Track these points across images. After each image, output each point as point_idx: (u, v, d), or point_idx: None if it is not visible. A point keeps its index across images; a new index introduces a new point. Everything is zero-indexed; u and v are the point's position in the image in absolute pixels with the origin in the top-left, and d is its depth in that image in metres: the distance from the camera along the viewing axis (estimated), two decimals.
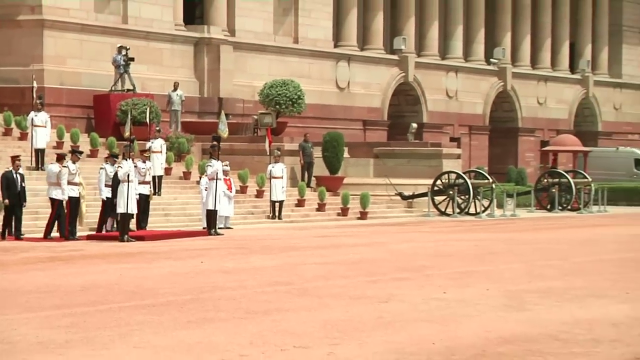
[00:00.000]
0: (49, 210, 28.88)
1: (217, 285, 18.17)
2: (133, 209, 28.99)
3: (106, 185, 29.73)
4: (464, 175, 44.14)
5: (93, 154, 37.07)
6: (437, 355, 11.23)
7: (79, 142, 36.35)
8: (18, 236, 28.27)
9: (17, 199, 28.47)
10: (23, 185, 28.76)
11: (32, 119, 35.66)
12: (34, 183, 31.60)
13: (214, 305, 15.55)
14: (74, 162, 29.28)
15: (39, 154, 34.56)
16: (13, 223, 28.66)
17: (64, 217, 28.70)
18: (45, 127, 35.58)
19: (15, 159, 29.50)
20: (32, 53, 40.74)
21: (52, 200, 28.63)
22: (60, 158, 29.58)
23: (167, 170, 36.87)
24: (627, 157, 58.64)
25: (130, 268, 21.38)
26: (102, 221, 30.06)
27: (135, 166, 29.54)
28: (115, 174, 29.03)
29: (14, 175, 28.66)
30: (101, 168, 30.34)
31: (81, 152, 31.73)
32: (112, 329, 13.10)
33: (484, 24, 61.85)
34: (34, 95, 37.45)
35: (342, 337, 12.46)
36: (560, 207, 47.51)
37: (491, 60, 61.50)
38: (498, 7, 62.80)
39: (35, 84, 38.06)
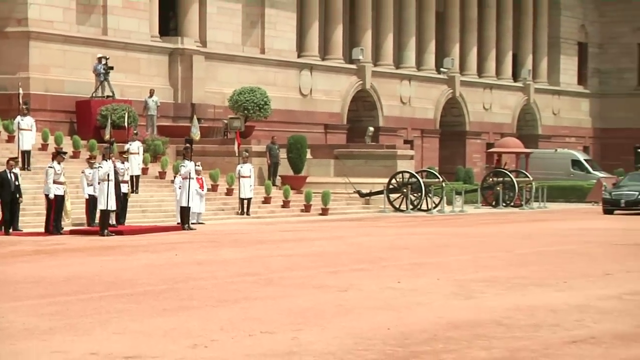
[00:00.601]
0: (38, 207, 28.94)
1: (191, 276, 18.08)
2: (112, 206, 28.82)
3: (89, 185, 29.63)
4: (416, 175, 44.20)
5: (75, 155, 36.82)
6: (392, 339, 11.18)
7: (63, 144, 36.06)
8: (11, 230, 28.04)
9: (12, 196, 28.26)
10: (17, 183, 28.50)
11: (19, 123, 35.42)
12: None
13: (187, 294, 15.47)
14: (59, 163, 29.10)
15: (25, 155, 34.38)
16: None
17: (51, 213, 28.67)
18: (30, 130, 35.36)
19: (10, 160, 29.37)
20: (19, 62, 40.52)
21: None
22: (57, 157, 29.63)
23: (144, 170, 36.69)
24: (564, 158, 58.86)
25: (110, 260, 21.26)
26: (89, 217, 29.86)
27: (114, 166, 29.51)
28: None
29: (9, 175, 28.45)
30: (82, 172, 30.15)
31: (65, 153, 31.52)
32: (93, 317, 13.01)
33: (434, 36, 61.93)
34: (20, 101, 37.21)
35: (305, 323, 12.41)
36: (504, 204, 47.64)
37: (441, 69, 61.59)
38: (447, 21, 62.88)
39: (21, 91, 37.93)
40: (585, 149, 68.75)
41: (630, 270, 19.13)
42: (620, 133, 69.87)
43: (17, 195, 28.38)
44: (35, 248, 24.13)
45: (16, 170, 29.05)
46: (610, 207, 44.39)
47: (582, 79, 73.73)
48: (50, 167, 29.04)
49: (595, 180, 53.83)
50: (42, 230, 28.65)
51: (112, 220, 29.35)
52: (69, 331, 11.85)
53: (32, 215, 29.73)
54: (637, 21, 73.30)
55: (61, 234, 28.31)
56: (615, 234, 29.96)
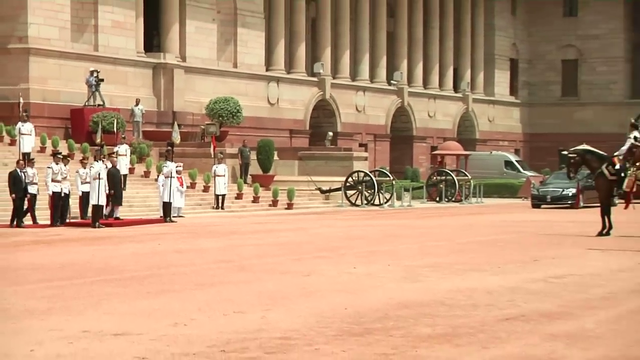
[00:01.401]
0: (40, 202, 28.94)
1: (172, 263, 18.02)
2: (103, 201, 28.76)
3: (83, 183, 29.47)
4: (370, 174, 44.24)
5: (70, 157, 36.52)
6: (348, 318, 11.18)
7: (59, 147, 35.84)
8: (19, 225, 27.79)
9: (22, 193, 28.12)
10: (27, 181, 28.35)
11: (20, 129, 35.28)
12: None
13: (169, 279, 15.42)
14: (56, 164, 28.94)
15: (25, 157, 34.13)
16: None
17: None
18: (30, 135, 35.22)
19: (19, 161, 29.41)
20: (20, 75, 40.28)
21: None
22: (62, 158, 29.81)
23: (131, 170, 36.48)
24: (498, 159, 59.05)
25: (100, 249, 21.13)
26: (82, 211, 29.69)
27: (105, 167, 29.40)
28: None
29: (19, 174, 28.30)
30: (76, 172, 29.99)
31: (61, 154, 31.28)
32: (85, 299, 12.95)
33: (385, 53, 61.93)
34: (21, 109, 37.17)
35: (273, 304, 12.39)
36: (446, 199, 47.74)
37: (391, 81, 61.66)
38: (397, 40, 62.93)
39: (21, 100, 37.95)
40: (516, 151, 69.03)
41: (554, 257, 19.24)
42: (547, 138, 70.22)
43: (26, 192, 28.27)
44: (35, 239, 24.00)
45: (33, 170, 28.95)
46: (538, 202, 44.66)
47: (513, 91, 74.07)
48: (49, 167, 28.94)
49: (524, 179, 54.07)
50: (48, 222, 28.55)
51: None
52: (64, 312, 11.79)
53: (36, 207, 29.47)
54: (560, 40, 73.72)
55: (57, 226, 28.11)
56: (541, 225, 30.09)
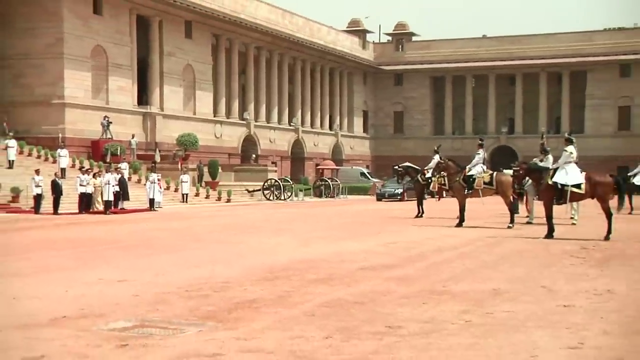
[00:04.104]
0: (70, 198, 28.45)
1: (154, 236, 17.83)
2: (111, 197, 28.42)
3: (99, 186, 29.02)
4: (278, 180, 44.36)
5: (90, 170, 35.90)
6: (265, 270, 11.19)
7: (84, 164, 35.47)
8: (55, 212, 27.19)
9: (60, 193, 27.69)
10: (61, 185, 28.14)
11: (59, 153, 34.84)
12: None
13: (151, 246, 15.27)
14: (83, 174, 28.81)
15: (63, 171, 33.55)
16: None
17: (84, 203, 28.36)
18: (65, 157, 34.76)
19: (56, 173, 29.77)
20: (59, 119, 39.63)
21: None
22: (86, 171, 29.73)
23: (129, 178, 35.89)
24: (356, 171, 59.44)
25: (109, 228, 20.79)
26: (107, 205, 29.04)
27: (115, 177, 29.19)
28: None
29: (58, 181, 28.00)
30: (77, 177, 29.54)
31: (85, 168, 30.93)
32: (100, 259, 12.76)
33: (287, 106, 61.89)
34: (60, 141, 36.95)
35: (219, 262, 12.34)
36: (325, 196, 48.13)
37: (291, 123, 61.74)
38: (295, 97, 63.00)
39: (60, 135, 37.76)
40: (367, 166, 69.58)
41: (390, 231, 19.52)
42: (385, 159, 70.93)
43: (60, 193, 27.77)
44: (67, 221, 23.47)
45: (91, 178, 28.73)
46: (380, 197, 45.30)
47: (365, 129, 74.59)
48: (78, 177, 28.76)
49: (372, 183, 54.81)
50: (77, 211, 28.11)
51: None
52: (85, 267, 11.60)
53: (68, 203, 28.88)
54: (392, 99, 74.58)
55: (83, 213, 27.64)
56: (382, 211, 30.51)
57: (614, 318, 7.63)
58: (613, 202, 16.48)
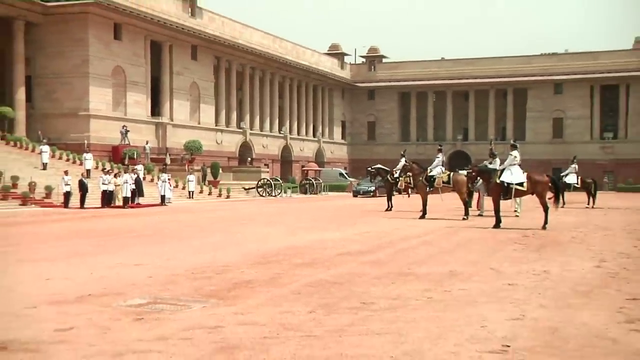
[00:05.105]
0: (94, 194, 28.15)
1: (165, 227, 17.68)
2: (128, 194, 28.16)
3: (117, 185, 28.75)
4: (269, 180, 44.19)
5: (111, 171, 35.62)
6: (259, 255, 11.14)
7: (106, 166, 35.15)
8: (82, 207, 26.91)
9: (86, 190, 27.41)
10: (87, 184, 27.86)
11: (85, 156, 34.36)
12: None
13: (163, 236, 15.12)
14: (105, 175, 28.44)
15: (88, 172, 33.23)
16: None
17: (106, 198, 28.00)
18: (90, 160, 34.32)
19: (83, 173, 29.64)
20: (84, 128, 39.23)
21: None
22: (107, 171, 29.26)
23: (144, 178, 35.72)
24: (336, 172, 59.24)
25: (125, 221, 20.64)
26: (125, 201, 28.80)
27: (131, 177, 28.93)
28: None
29: (84, 180, 27.79)
30: (100, 177, 29.37)
31: (107, 170, 30.60)
32: (119, 246, 12.62)
33: (278, 116, 61.66)
34: (85, 146, 36.51)
35: (219, 249, 12.27)
36: (309, 193, 48.06)
37: (280, 131, 61.58)
38: (284, 109, 62.72)
39: (86, 142, 37.41)
40: (345, 168, 69.52)
41: (364, 222, 19.53)
42: (360, 162, 70.86)
43: (86, 190, 27.46)
44: (91, 215, 23.25)
45: (113, 177, 28.21)
46: (355, 194, 45.23)
47: (343, 137, 74.49)
48: (101, 177, 28.40)
49: (349, 182, 54.74)
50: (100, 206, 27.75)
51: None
52: (106, 253, 11.47)
53: (92, 199, 28.55)
54: (366, 111, 74.51)
55: (104, 208, 27.39)
56: (356, 205, 30.54)
57: (550, 294, 7.68)
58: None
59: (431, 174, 21.41)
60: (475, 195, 23.72)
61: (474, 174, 18.03)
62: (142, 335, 5.73)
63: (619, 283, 8.47)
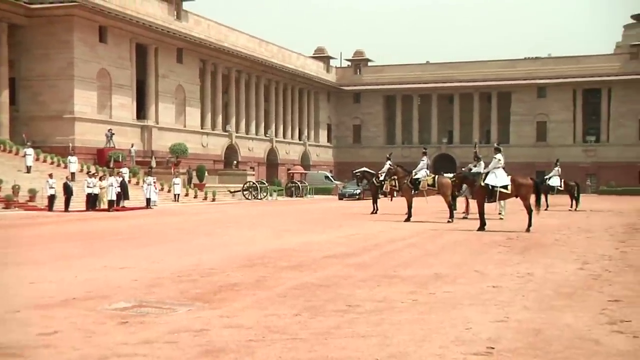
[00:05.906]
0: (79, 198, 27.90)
1: (151, 230, 17.59)
2: (113, 197, 27.99)
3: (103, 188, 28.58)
4: (255, 182, 44.11)
5: (96, 174, 35.48)
6: (244, 258, 11.10)
7: (91, 169, 34.88)
8: (67, 210, 26.72)
9: (70, 193, 27.22)
10: (71, 187, 27.62)
11: (69, 159, 34.14)
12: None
13: (149, 238, 15.04)
14: (90, 177, 28.19)
15: (73, 175, 33.00)
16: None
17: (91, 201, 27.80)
18: (75, 163, 34.09)
19: (68, 177, 29.34)
20: (69, 131, 38.90)
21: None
22: (92, 174, 28.84)
23: (129, 181, 35.46)
24: (322, 175, 59.42)
25: (112, 223, 20.48)
26: (110, 204, 28.63)
27: (116, 180, 28.76)
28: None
29: (69, 183, 27.61)
30: (85, 180, 29.17)
31: (92, 173, 30.35)
32: (104, 249, 12.51)
33: (263, 120, 61.62)
34: (70, 149, 36.32)
35: (206, 252, 12.21)
36: (295, 196, 48.04)
37: (266, 135, 61.50)
38: (270, 113, 62.68)
39: (71, 145, 37.11)
40: (331, 171, 69.58)
41: (350, 225, 19.55)
42: (346, 165, 70.82)
43: (71, 193, 27.26)
44: (77, 217, 23.07)
45: (98, 180, 28.03)
46: (341, 196, 45.32)
47: (329, 140, 74.46)
48: (86, 180, 28.21)
49: (335, 185, 54.79)
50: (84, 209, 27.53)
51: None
52: (92, 256, 11.38)
53: (77, 202, 28.37)
54: (352, 115, 74.62)
55: (89, 211, 27.19)
56: (343, 208, 30.57)
57: (533, 296, 7.73)
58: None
59: (416, 177, 21.48)
60: (463, 200, 23.86)
61: (457, 182, 18.26)
62: (127, 339, 5.68)
63: (602, 285, 8.55)
